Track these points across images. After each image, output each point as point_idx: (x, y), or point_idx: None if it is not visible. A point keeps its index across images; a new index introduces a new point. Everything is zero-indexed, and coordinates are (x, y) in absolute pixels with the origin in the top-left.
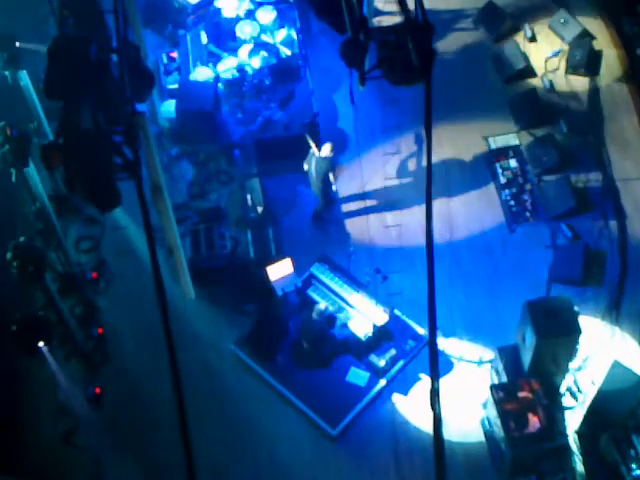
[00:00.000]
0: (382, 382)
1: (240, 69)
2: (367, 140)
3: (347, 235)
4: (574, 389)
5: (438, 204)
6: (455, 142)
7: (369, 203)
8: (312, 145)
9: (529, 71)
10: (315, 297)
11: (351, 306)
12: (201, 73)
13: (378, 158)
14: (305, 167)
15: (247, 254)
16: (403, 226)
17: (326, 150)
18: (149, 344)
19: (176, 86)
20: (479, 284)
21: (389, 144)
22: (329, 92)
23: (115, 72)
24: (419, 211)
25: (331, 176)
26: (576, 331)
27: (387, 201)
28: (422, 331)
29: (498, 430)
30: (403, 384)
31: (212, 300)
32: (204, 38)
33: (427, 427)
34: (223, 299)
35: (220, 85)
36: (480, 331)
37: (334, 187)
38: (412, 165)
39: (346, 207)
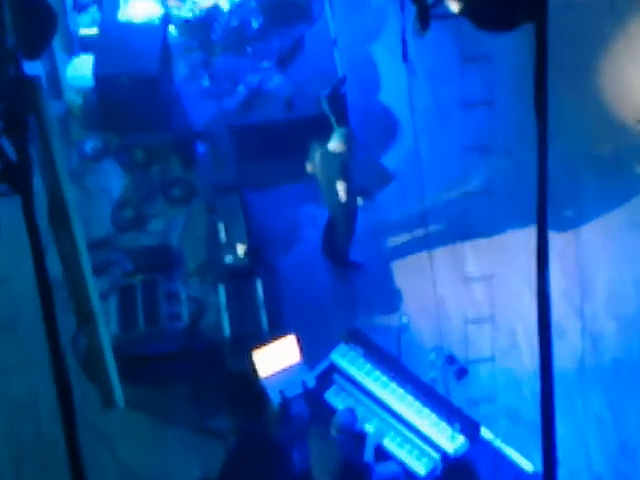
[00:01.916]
0: None
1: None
2: (431, 125)
3: (394, 293)
4: None
5: (560, 238)
6: (586, 128)
7: (434, 233)
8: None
9: None
10: (338, 406)
11: (402, 421)
12: (139, 8)
13: (452, 157)
14: (309, 168)
15: (218, 329)
16: (496, 279)
17: (337, 141)
18: None
19: (95, 31)
20: (636, 386)
21: (470, 133)
22: (363, 42)
23: None
24: (524, 251)
25: (343, 187)
26: None
27: (467, 231)
28: (530, 467)
29: None
30: None
31: (155, 411)
32: None
33: None
34: (175, 410)
35: (173, 30)
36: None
37: (359, 201)
38: (510, 166)
39: (392, 240)
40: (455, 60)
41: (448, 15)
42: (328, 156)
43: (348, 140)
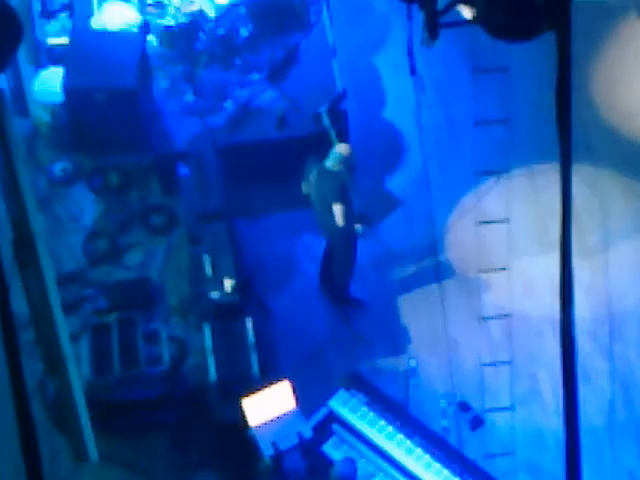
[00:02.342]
0: None
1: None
2: (442, 145)
3: (401, 333)
4: None
5: (585, 269)
6: (612, 147)
7: (445, 265)
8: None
9: None
10: (337, 459)
11: (410, 476)
12: (115, 15)
13: (464, 179)
14: (304, 189)
15: (203, 373)
16: (515, 316)
17: (338, 156)
18: None
19: (65, 40)
20: None
21: (485, 153)
22: (366, 52)
23: None
24: (546, 284)
25: (340, 210)
26: None
27: (482, 263)
28: None
29: None
30: None
31: (133, 465)
32: None
33: None
34: (155, 463)
35: (152, 39)
36: None
37: (359, 228)
38: (529, 190)
39: (398, 273)
40: (467, 73)
41: (460, 23)
42: (325, 174)
43: (348, 156)
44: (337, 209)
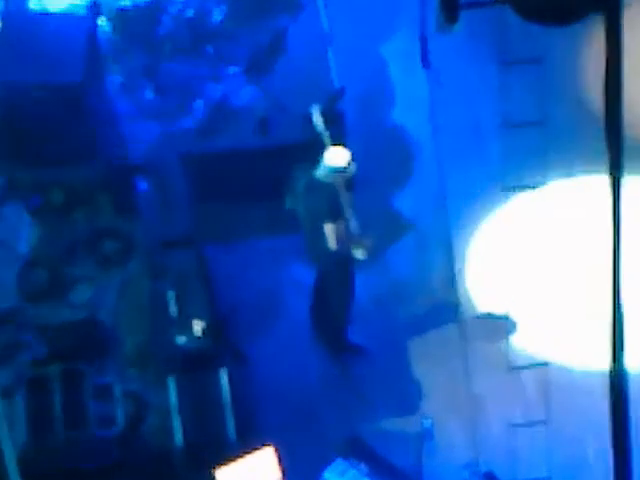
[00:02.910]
0: None
1: None
2: (462, 154)
3: (412, 387)
4: None
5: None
6: None
7: (466, 302)
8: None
9: None
10: None
11: None
12: None
13: (489, 196)
14: (289, 204)
15: (166, 436)
16: (553, 368)
17: (332, 166)
18: None
19: None
20: None
21: (514, 163)
22: (370, 40)
23: None
24: (592, 328)
25: (333, 230)
26: None
27: (512, 301)
28: None
29: None
30: None
31: None
32: None
33: None
34: None
35: (104, 23)
36: None
37: (360, 254)
38: (571, 208)
39: (409, 312)
40: (493, 65)
41: (484, 2)
42: (315, 187)
43: (345, 165)
44: (330, 230)
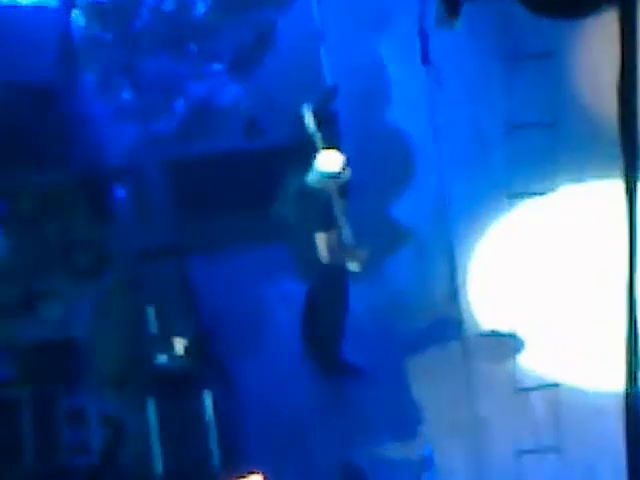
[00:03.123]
0: None
1: None
2: (464, 158)
3: (411, 410)
4: None
5: None
6: None
7: (470, 318)
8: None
9: None
10: None
11: None
12: None
13: (493, 202)
14: (277, 209)
15: (146, 464)
16: (564, 390)
17: (325, 170)
18: None
19: None
20: None
21: (521, 168)
22: (365, 35)
23: None
24: (605, 346)
25: (325, 241)
26: None
27: (519, 317)
28: None
29: None
30: None
31: None
32: None
33: None
34: None
35: (78, 16)
36: None
37: (355, 266)
38: (582, 217)
39: (407, 328)
40: (498, 61)
41: None
42: (306, 194)
43: (338, 170)
44: (322, 240)
